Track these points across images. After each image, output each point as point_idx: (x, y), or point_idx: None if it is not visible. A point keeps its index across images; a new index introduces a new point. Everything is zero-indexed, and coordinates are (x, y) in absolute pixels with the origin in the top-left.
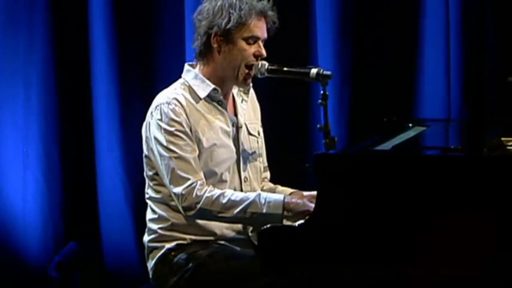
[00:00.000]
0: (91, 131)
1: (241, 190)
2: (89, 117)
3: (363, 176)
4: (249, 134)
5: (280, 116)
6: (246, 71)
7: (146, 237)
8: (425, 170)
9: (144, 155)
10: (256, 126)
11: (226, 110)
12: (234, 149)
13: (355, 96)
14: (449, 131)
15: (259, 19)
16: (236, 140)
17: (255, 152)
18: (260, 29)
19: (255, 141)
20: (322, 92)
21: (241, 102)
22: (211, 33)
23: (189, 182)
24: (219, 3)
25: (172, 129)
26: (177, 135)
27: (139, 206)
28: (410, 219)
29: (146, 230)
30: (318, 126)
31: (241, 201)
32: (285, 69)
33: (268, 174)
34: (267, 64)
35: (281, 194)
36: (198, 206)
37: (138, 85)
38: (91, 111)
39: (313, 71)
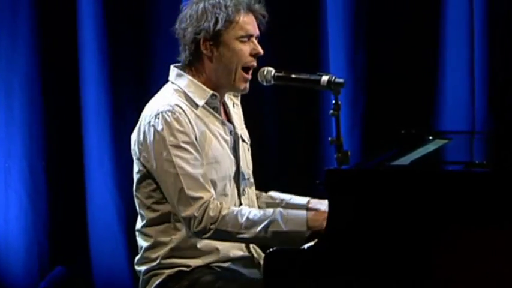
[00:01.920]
0: (79, 143)
1: (240, 204)
2: (77, 128)
3: (378, 194)
4: (243, 141)
5: (288, 128)
6: (244, 74)
7: (141, 267)
8: (447, 187)
9: (136, 170)
10: (245, 132)
11: (222, 117)
12: (234, 160)
13: (369, 106)
14: (474, 144)
15: (248, 14)
16: (234, 150)
17: (247, 160)
18: (251, 25)
19: (247, 149)
20: (333, 101)
21: (233, 106)
22: (199, 39)
23: (201, 202)
24: (201, 6)
25: (178, 141)
26: (184, 148)
27: (133, 226)
28: (430, 241)
29: (139, 258)
30: (330, 139)
31: (261, 220)
32: (293, 76)
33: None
34: (273, 71)
35: (302, 209)
36: (214, 227)
37: (132, 93)
38: (79, 121)
39: (324, 78)
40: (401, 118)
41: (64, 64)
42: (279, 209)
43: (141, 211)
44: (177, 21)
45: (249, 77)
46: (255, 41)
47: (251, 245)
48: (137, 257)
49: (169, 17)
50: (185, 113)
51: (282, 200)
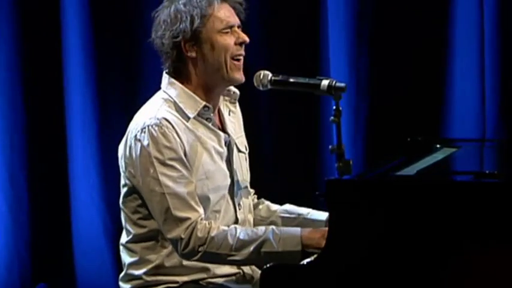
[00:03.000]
0: (64, 153)
1: (236, 219)
2: (62, 137)
3: (382, 207)
4: (239, 151)
5: (285, 136)
6: (235, 62)
7: (125, 285)
8: (456, 199)
9: (122, 183)
10: (243, 140)
11: (216, 127)
12: (228, 173)
13: (373, 112)
14: (484, 153)
15: (223, 5)
16: (229, 162)
17: (244, 171)
18: (229, 15)
19: (244, 159)
20: (334, 107)
21: (229, 114)
22: (179, 42)
23: (188, 223)
24: (172, 9)
25: (164, 157)
26: (170, 166)
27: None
28: (438, 256)
29: (122, 275)
30: (330, 147)
31: (252, 240)
32: (291, 80)
33: (252, 190)
34: (270, 74)
35: (296, 227)
36: (203, 249)
37: (120, 99)
38: (64, 130)
39: (324, 82)
40: (406, 125)
41: (47, 68)
42: (271, 227)
43: (127, 226)
44: (152, 31)
45: (241, 64)
46: (238, 30)
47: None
48: (121, 274)
49: None
50: (173, 126)
51: (299, 215)
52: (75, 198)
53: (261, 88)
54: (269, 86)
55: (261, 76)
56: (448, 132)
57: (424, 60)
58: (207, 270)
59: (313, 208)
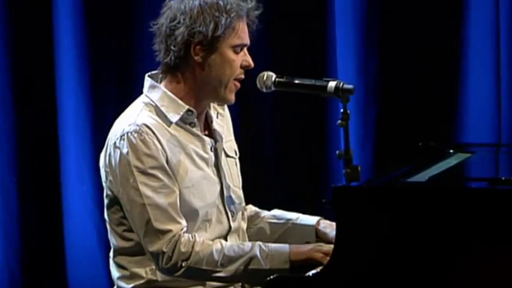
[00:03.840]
0: (56, 157)
1: (229, 227)
2: (54, 140)
3: (392, 215)
4: (227, 156)
5: (290, 141)
6: (237, 84)
7: None
8: (471, 206)
9: (105, 194)
10: (232, 144)
11: (200, 131)
12: (217, 179)
13: (382, 116)
14: (500, 158)
15: (244, 21)
16: (217, 168)
17: (234, 177)
18: (245, 33)
19: (233, 164)
20: (342, 110)
21: (217, 117)
22: (192, 42)
23: (170, 236)
24: (196, 4)
25: (144, 166)
26: (151, 175)
27: None
28: (451, 267)
29: None
30: (337, 152)
31: (239, 256)
32: (296, 81)
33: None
34: (274, 76)
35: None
36: (186, 264)
37: (115, 101)
38: (56, 133)
39: (331, 84)
40: (418, 129)
41: (38, 68)
42: (258, 243)
43: (112, 239)
44: (162, 15)
45: (239, 85)
46: (246, 52)
47: None
48: None
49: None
50: (154, 132)
51: (288, 220)
52: (68, 205)
53: (264, 90)
54: (273, 88)
55: (265, 77)
56: (461, 137)
57: (436, 60)
58: (203, 284)
59: (320, 216)
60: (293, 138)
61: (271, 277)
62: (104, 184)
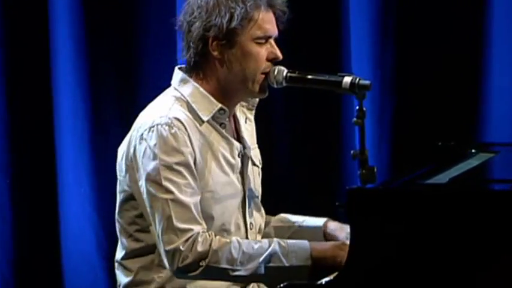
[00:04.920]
0: (52, 160)
1: (247, 238)
2: (50, 143)
3: (410, 219)
4: (253, 164)
5: (302, 139)
6: (263, 76)
7: None
8: (493, 209)
9: (119, 190)
10: (257, 153)
11: (230, 134)
12: (240, 187)
13: (400, 114)
14: None
15: (268, 11)
16: (241, 176)
17: (256, 187)
18: (271, 24)
19: (257, 173)
20: (357, 107)
21: (245, 122)
22: (209, 37)
23: (189, 235)
24: None
25: (172, 161)
26: (178, 171)
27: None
28: (473, 272)
29: None
30: (352, 152)
31: (258, 253)
32: (309, 77)
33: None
34: (285, 70)
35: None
36: (204, 263)
37: (115, 101)
38: (52, 135)
39: (346, 79)
40: (437, 128)
41: (33, 66)
42: (276, 240)
43: (122, 239)
44: (182, 11)
45: (267, 81)
46: (273, 43)
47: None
48: None
49: (160, 11)
50: (186, 128)
51: (294, 223)
52: (65, 210)
53: (275, 85)
54: (284, 83)
55: (276, 72)
56: (483, 136)
57: (457, 53)
58: None
59: (333, 220)
60: (305, 137)
61: (282, 285)
62: (120, 179)
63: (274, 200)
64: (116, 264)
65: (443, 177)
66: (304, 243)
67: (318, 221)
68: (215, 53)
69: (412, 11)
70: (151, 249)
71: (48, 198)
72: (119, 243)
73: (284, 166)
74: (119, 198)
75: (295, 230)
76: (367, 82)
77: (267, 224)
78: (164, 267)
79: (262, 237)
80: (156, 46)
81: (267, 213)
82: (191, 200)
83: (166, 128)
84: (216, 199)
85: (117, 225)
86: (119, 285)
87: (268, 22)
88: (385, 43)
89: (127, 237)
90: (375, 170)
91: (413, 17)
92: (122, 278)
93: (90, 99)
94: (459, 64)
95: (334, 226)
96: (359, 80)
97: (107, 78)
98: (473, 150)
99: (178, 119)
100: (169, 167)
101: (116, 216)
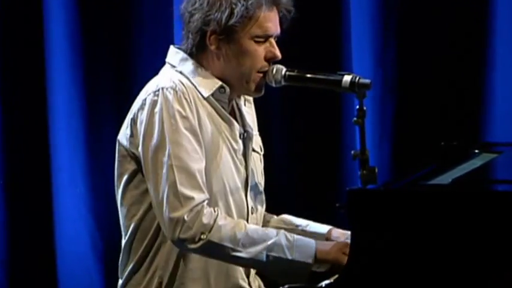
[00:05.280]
0: (47, 160)
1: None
2: (44, 142)
3: (412, 220)
4: (253, 150)
5: (301, 139)
6: (260, 75)
7: None
8: (497, 211)
9: (120, 171)
10: (258, 139)
11: (230, 116)
12: (243, 170)
13: (401, 113)
14: None
15: (271, 9)
16: (244, 159)
17: (259, 174)
18: (272, 23)
19: (258, 160)
20: (357, 106)
21: (245, 104)
22: (207, 30)
23: (193, 203)
24: None
25: (178, 125)
26: (185, 135)
27: (111, 260)
28: (477, 276)
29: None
30: (352, 152)
31: (262, 239)
32: (308, 76)
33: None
34: (284, 69)
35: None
36: (205, 237)
37: (111, 99)
38: (47, 134)
39: (346, 78)
40: (440, 127)
41: (27, 63)
42: (283, 231)
43: (125, 222)
44: (185, 0)
45: (265, 78)
46: (273, 42)
47: (251, 277)
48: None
49: (156, 9)
50: (189, 94)
51: (297, 226)
52: (60, 211)
53: (273, 84)
54: (283, 82)
55: (274, 71)
56: (487, 136)
57: (460, 51)
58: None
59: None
60: (304, 138)
61: None
62: (119, 159)
63: (272, 201)
64: (122, 250)
65: (445, 178)
66: (311, 241)
67: (322, 228)
68: (212, 47)
69: (415, 7)
70: (155, 226)
71: (42, 199)
72: (123, 230)
73: (282, 167)
74: (121, 181)
75: (297, 234)
76: (367, 81)
77: (267, 222)
78: (167, 242)
79: None
80: (152, 44)
81: (266, 210)
82: (197, 166)
83: (172, 91)
84: (218, 174)
85: (120, 211)
86: (121, 271)
87: (270, 21)
88: (386, 40)
89: (130, 218)
90: (376, 170)
91: (415, 13)
92: (129, 261)
93: (86, 98)
94: (462, 62)
95: (337, 234)
96: (359, 78)
97: (103, 77)
98: (476, 150)
99: (182, 84)
100: (177, 130)
101: (119, 202)
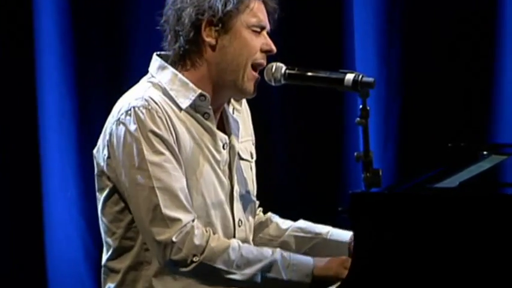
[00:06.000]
0: (36, 162)
1: (234, 236)
2: (34, 143)
3: (417, 225)
4: (240, 158)
5: (302, 141)
6: (253, 73)
7: None
8: (506, 215)
9: (99, 187)
10: (248, 146)
11: (214, 126)
12: (227, 182)
13: (406, 113)
14: None
15: (260, 3)
16: (229, 169)
17: (248, 183)
18: (264, 15)
19: (248, 168)
20: (361, 106)
21: (233, 113)
22: (202, 21)
23: (180, 225)
24: None
25: (154, 145)
26: (163, 155)
27: None
28: (484, 279)
29: None
30: (356, 154)
31: (257, 260)
32: (309, 74)
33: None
34: (284, 67)
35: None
36: (198, 259)
37: (103, 98)
38: (36, 134)
39: (349, 77)
40: (447, 128)
41: (16, 60)
42: (278, 250)
43: (107, 239)
44: (168, 4)
45: (258, 76)
46: (267, 36)
47: None
48: None
49: (150, 5)
50: (163, 111)
51: (317, 235)
52: (50, 215)
53: (273, 83)
54: (283, 81)
55: (273, 69)
56: (496, 136)
57: (467, 49)
58: None
59: (335, 227)
60: (305, 139)
61: None
62: (97, 174)
63: (273, 205)
64: (103, 269)
65: (452, 181)
66: (308, 259)
67: (344, 235)
68: (208, 39)
69: (420, 5)
70: (137, 245)
71: (32, 203)
72: (104, 245)
73: (283, 170)
74: (100, 196)
75: (318, 242)
76: (370, 79)
77: (280, 228)
78: (150, 263)
79: (279, 247)
80: (147, 42)
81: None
82: (179, 185)
83: (144, 110)
84: (199, 189)
85: (101, 225)
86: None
87: (261, 12)
88: (390, 36)
89: (111, 235)
90: (380, 173)
91: (422, 7)
92: (109, 281)
93: (77, 97)
94: (470, 61)
95: None
96: (362, 76)
97: (95, 75)
98: (485, 152)
99: (154, 101)
100: (154, 151)
101: (99, 216)
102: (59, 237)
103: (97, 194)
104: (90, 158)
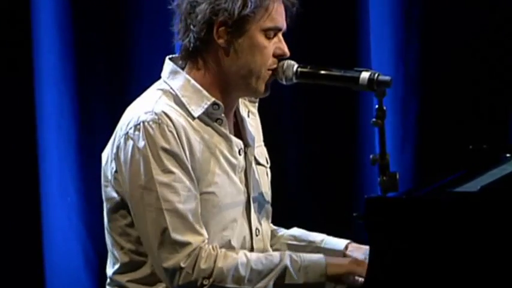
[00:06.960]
0: (34, 165)
1: (252, 247)
2: (32, 145)
3: (436, 231)
4: (257, 163)
5: (315, 142)
6: (269, 72)
7: None
8: None
9: (106, 197)
10: (263, 150)
11: (228, 130)
12: (243, 189)
13: (425, 113)
14: None
15: (280, 2)
16: (245, 176)
17: (265, 189)
18: (282, 17)
19: (264, 173)
20: (377, 106)
21: (248, 116)
22: (215, 22)
23: (189, 250)
24: None
25: (164, 163)
26: (172, 173)
27: (105, 274)
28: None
29: None
30: (371, 156)
31: (268, 269)
32: (323, 72)
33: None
34: (295, 65)
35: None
36: (208, 282)
37: (105, 99)
38: (34, 136)
39: (364, 75)
40: (467, 129)
41: (13, 56)
42: (287, 253)
43: (114, 252)
44: None
45: (272, 78)
46: (281, 38)
47: None
48: None
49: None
50: (174, 124)
51: (311, 243)
52: (49, 221)
53: (284, 82)
54: (294, 80)
55: (285, 67)
56: None
57: (489, 46)
58: None
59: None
60: (318, 141)
61: None
62: (105, 185)
63: (284, 211)
64: (108, 280)
65: (474, 185)
66: (320, 258)
67: (338, 243)
68: (220, 41)
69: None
70: (147, 260)
71: (30, 209)
72: (110, 257)
73: (294, 173)
74: (106, 207)
75: (311, 251)
76: (387, 78)
77: (274, 236)
78: (162, 280)
79: None
80: (150, 37)
81: (276, 225)
82: (189, 206)
83: (154, 125)
84: (216, 202)
85: (107, 237)
86: None
87: (279, 14)
88: (408, 33)
89: (119, 249)
90: (397, 176)
91: (440, 4)
92: None
93: (77, 96)
94: (491, 58)
95: (353, 248)
96: (378, 75)
97: (96, 72)
98: (507, 155)
99: (166, 114)
100: (164, 170)
101: (106, 226)
102: (58, 245)
103: (104, 203)
104: (89, 158)
